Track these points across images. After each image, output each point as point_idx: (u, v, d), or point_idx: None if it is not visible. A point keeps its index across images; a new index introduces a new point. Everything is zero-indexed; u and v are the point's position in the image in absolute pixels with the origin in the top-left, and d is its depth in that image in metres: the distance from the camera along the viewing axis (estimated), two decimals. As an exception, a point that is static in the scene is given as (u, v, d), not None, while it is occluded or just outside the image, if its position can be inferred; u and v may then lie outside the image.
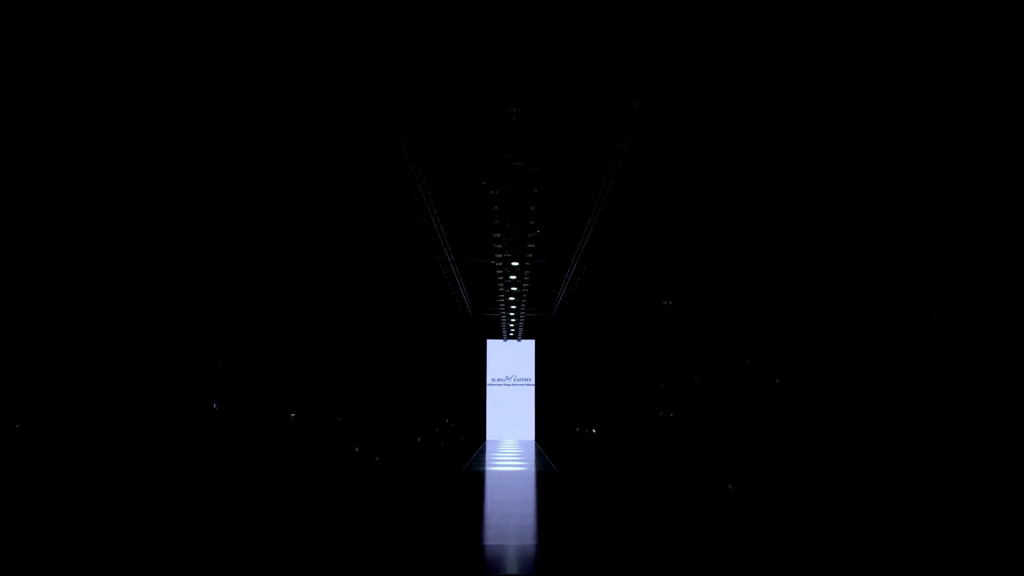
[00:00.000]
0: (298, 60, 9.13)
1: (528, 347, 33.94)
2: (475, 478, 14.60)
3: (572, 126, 12.33)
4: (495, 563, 6.94)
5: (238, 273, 8.47)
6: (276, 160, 9.66)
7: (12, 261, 5.49)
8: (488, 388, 33.78)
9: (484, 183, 14.24)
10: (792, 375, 7.19)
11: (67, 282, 5.89)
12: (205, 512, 5.98)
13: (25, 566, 4.60)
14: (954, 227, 5.49)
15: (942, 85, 5.69)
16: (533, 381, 33.76)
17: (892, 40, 6.26)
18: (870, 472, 5.42)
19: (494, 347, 33.88)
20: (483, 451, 25.07)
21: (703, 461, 8.56)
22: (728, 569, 6.58)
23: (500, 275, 22.00)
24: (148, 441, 5.64)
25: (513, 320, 30.04)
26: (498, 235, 17.64)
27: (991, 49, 5.20)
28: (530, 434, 33.89)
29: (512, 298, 25.63)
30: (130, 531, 5.24)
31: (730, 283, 10.01)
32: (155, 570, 5.33)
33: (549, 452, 21.60)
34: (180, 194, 7.47)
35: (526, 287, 23.69)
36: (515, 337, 33.71)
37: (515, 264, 20.36)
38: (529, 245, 18.47)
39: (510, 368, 34.13)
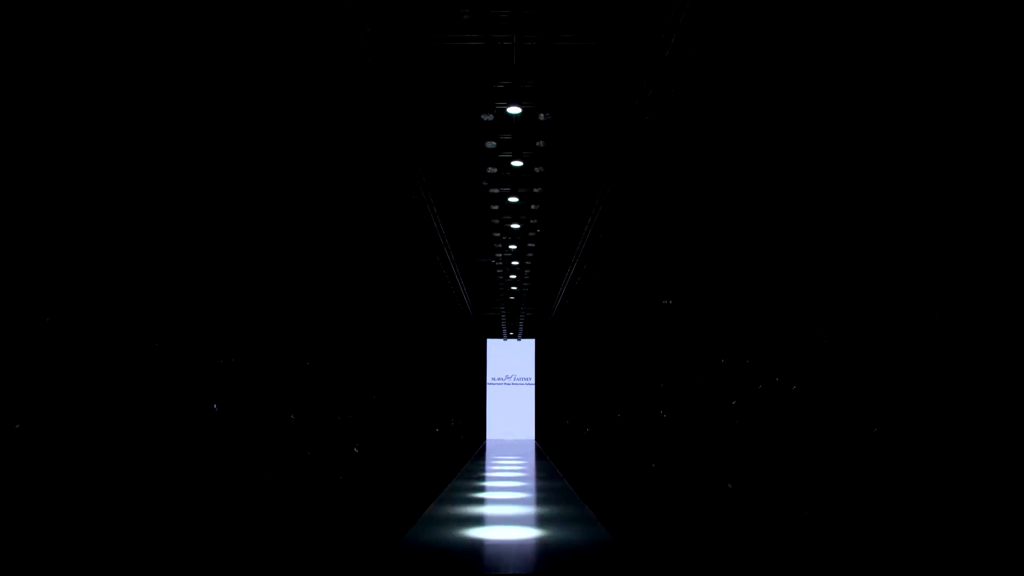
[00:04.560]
0: (297, 61, 9.13)
1: (528, 347, 33.96)
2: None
3: (573, 125, 12.33)
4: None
5: (238, 273, 8.47)
6: (276, 160, 9.66)
7: (13, 262, 5.49)
8: (488, 387, 33.80)
9: (484, 183, 14.24)
10: (792, 374, 7.19)
11: (68, 283, 5.89)
12: (204, 512, 5.98)
13: (25, 566, 4.60)
14: (954, 227, 5.49)
15: (942, 85, 5.69)
16: (533, 380, 33.78)
17: (892, 40, 6.26)
18: (871, 471, 5.43)
19: (494, 347, 33.91)
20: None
21: (703, 461, 8.56)
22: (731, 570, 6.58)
23: (500, 275, 22.01)
24: (148, 441, 5.64)
25: (513, 320, 30.06)
26: (498, 235, 17.66)
27: (991, 49, 5.20)
28: (530, 433, 33.91)
29: (512, 298, 25.64)
30: (130, 531, 5.24)
31: (730, 283, 10.01)
32: (155, 570, 5.34)
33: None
34: (181, 194, 7.47)
35: (526, 287, 23.70)
36: (515, 337, 33.72)
37: (515, 264, 20.38)
38: (529, 245, 18.48)
39: (510, 367, 34.15)
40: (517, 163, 13.21)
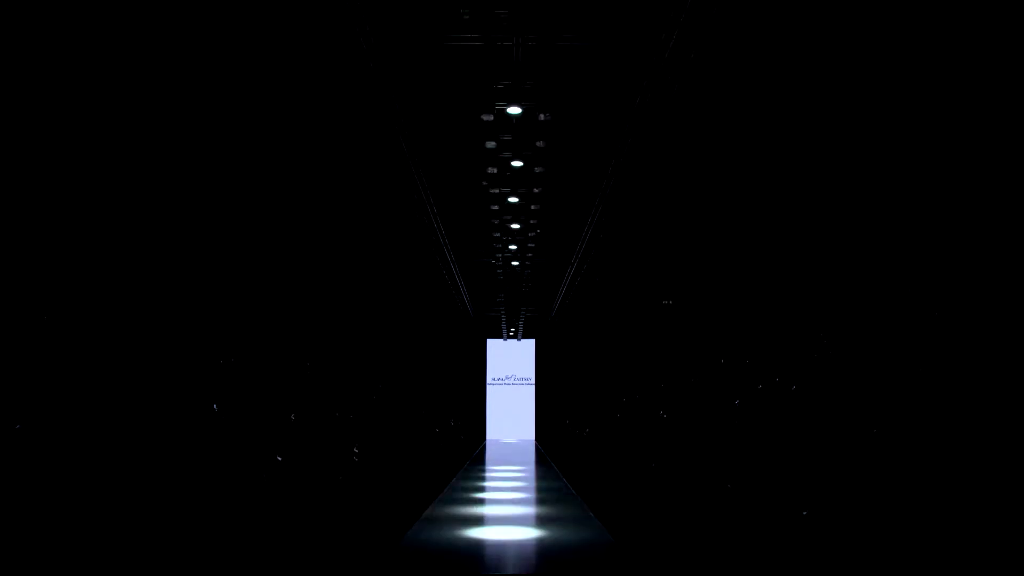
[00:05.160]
0: (298, 60, 9.13)
1: (528, 347, 33.95)
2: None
3: (572, 125, 12.33)
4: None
5: (238, 273, 8.47)
6: (276, 160, 9.66)
7: (12, 261, 5.49)
8: (488, 388, 33.79)
9: (484, 183, 14.25)
10: (792, 374, 7.19)
11: (67, 282, 5.89)
12: (204, 512, 5.97)
13: (25, 566, 4.60)
14: (953, 228, 5.49)
15: (941, 85, 5.69)
16: (533, 381, 33.77)
17: (893, 40, 6.26)
18: (871, 471, 5.42)
19: (494, 347, 33.90)
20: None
21: (703, 461, 8.55)
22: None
23: (500, 275, 22.01)
24: (148, 441, 5.64)
25: (513, 320, 30.05)
26: (498, 235, 17.66)
27: (991, 49, 5.20)
28: (530, 434, 33.91)
29: (512, 298, 25.64)
30: (130, 531, 5.24)
31: (730, 283, 10.01)
32: (155, 570, 5.33)
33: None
34: (180, 193, 7.47)
35: (526, 287, 23.70)
36: (515, 337, 33.71)
37: (515, 264, 20.38)
38: (529, 245, 18.48)
39: (510, 368, 34.15)
40: (517, 163, 13.22)
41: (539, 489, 14.50)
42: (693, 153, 11.00)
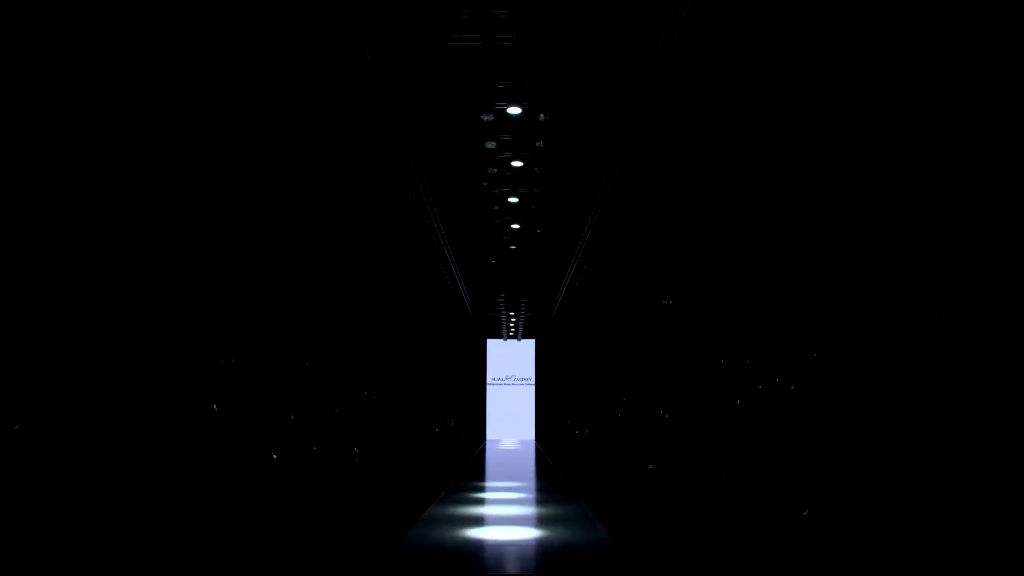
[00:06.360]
0: (298, 60, 9.13)
1: (528, 347, 33.94)
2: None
3: (572, 126, 12.33)
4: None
5: (238, 274, 8.47)
6: (276, 160, 9.66)
7: (12, 261, 5.49)
8: (488, 388, 33.78)
9: (484, 183, 14.25)
10: (792, 375, 7.19)
11: (69, 283, 5.89)
12: (203, 512, 5.97)
13: (25, 567, 4.60)
14: (953, 228, 5.49)
15: (942, 84, 5.69)
16: (533, 381, 33.76)
17: (892, 40, 6.26)
18: (872, 471, 5.42)
19: (494, 347, 33.89)
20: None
21: (703, 461, 8.55)
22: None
23: (500, 275, 22.02)
24: (148, 442, 5.64)
25: (513, 320, 30.05)
26: (498, 235, 17.68)
27: (991, 49, 5.20)
28: (530, 434, 33.90)
29: (512, 299, 25.65)
30: (130, 532, 5.24)
31: (729, 283, 10.01)
32: (155, 570, 5.33)
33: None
34: (181, 194, 7.47)
35: (526, 287, 23.70)
36: (515, 337, 33.71)
37: (515, 264, 20.39)
38: (529, 245, 18.49)
39: (510, 368, 34.14)
40: (517, 163, 13.22)
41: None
42: (693, 154, 11.00)
